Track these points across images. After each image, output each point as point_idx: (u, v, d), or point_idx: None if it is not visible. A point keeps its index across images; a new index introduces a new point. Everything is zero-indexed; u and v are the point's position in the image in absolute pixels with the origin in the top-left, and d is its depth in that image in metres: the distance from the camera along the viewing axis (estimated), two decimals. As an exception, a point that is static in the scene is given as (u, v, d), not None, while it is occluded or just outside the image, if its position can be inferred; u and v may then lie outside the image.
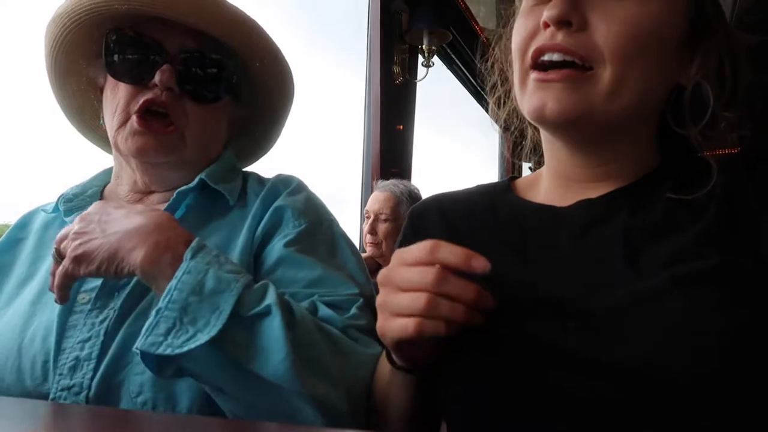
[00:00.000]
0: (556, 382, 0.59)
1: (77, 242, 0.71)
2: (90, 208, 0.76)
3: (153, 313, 0.65)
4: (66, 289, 0.73)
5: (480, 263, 0.57)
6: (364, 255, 2.26)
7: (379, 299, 0.62)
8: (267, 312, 0.66)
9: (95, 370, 0.72)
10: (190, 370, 0.66)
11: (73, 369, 0.72)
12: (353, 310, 0.78)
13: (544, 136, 0.79)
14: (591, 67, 0.65)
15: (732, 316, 0.54)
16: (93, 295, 0.78)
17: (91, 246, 0.70)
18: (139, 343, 0.64)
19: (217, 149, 0.97)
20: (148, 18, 0.87)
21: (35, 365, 0.74)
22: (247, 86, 0.98)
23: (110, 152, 1.06)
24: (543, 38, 0.68)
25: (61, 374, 0.72)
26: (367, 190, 2.77)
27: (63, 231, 0.75)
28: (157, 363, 0.65)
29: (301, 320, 0.69)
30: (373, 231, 2.36)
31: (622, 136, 0.71)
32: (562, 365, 0.59)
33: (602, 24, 0.64)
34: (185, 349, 0.62)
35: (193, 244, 0.71)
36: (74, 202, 0.91)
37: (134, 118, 0.85)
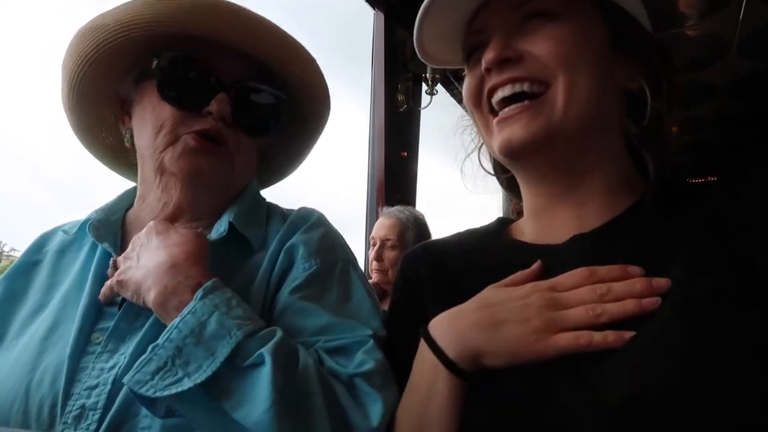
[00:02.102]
0: (559, 419, 0.58)
1: (122, 267, 0.77)
2: (143, 231, 0.79)
3: (150, 347, 0.65)
4: (111, 298, 0.78)
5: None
6: (369, 281, 2.24)
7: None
8: (259, 361, 0.64)
9: (99, 421, 0.68)
10: (178, 411, 0.64)
11: (78, 418, 0.68)
12: (359, 356, 0.73)
13: (520, 178, 0.82)
14: (543, 89, 0.71)
15: (733, 341, 0.54)
16: (105, 335, 0.76)
17: (126, 275, 0.75)
18: (126, 378, 0.63)
19: (249, 177, 0.96)
20: (200, 41, 0.84)
21: (42, 410, 0.70)
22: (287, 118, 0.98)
23: (112, 166, 1.04)
24: (491, 81, 0.74)
25: (65, 423, 0.69)
26: (371, 216, 2.77)
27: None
28: (147, 400, 0.64)
29: (303, 370, 0.66)
30: (379, 258, 2.34)
31: (589, 151, 0.73)
32: (567, 401, 0.59)
33: (537, 48, 0.71)
34: (166, 393, 0.61)
35: (208, 283, 0.70)
36: (101, 230, 0.88)
37: (188, 137, 0.82)
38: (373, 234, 2.41)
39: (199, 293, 0.68)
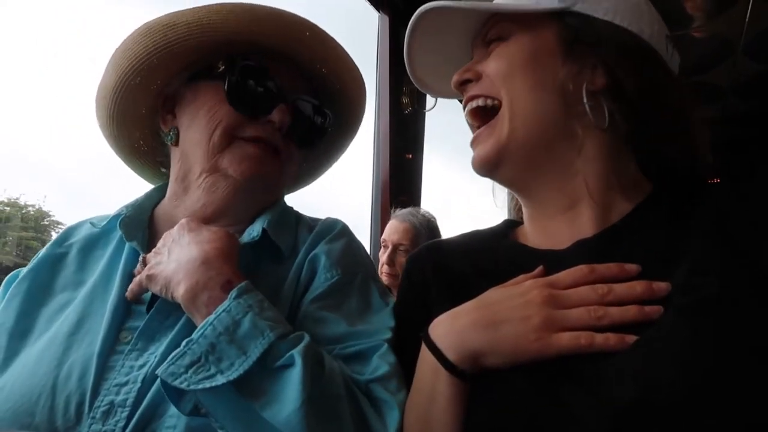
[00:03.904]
0: (560, 419, 0.58)
1: (152, 261, 0.77)
2: (174, 227, 0.80)
3: (183, 342, 0.66)
4: (138, 294, 0.79)
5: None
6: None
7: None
8: (290, 362, 0.65)
9: (128, 418, 0.69)
10: (206, 407, 0.65)
11: (106, 414, 0.69)
12: (374, 361, 0.74)
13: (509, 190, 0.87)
14: (497, 104, 0.77)
15: (740, 343, 0.54)
16: (134, 334, 0.76)
17: (156, 269, 0.75)
18: (160, 370, 0.64)
19: (287, 186, 0.99)
20: (267, 51, 0.88)
21: (69, 406, 0.71)
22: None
23: (131, 163, 1.04)
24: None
25: (93, 418, 0.69)
26: (376, 218, 2.77)
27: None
28: (175, 394, 0.64)
29: (329, 373, 0.68)
30: (391, 262, 2.33)
31: (553, 158, 0.75)
32: (568, 402, 0.59)
33: (487, 67, 0.80)
34: (200, 387, 0.62)
35: (242, 284, 0.71)
36: (131, 227, 0.89)
37: (248, 144, 0.86)
38: (385, 236, 2.40)
39: (233, 293, 0.69)
